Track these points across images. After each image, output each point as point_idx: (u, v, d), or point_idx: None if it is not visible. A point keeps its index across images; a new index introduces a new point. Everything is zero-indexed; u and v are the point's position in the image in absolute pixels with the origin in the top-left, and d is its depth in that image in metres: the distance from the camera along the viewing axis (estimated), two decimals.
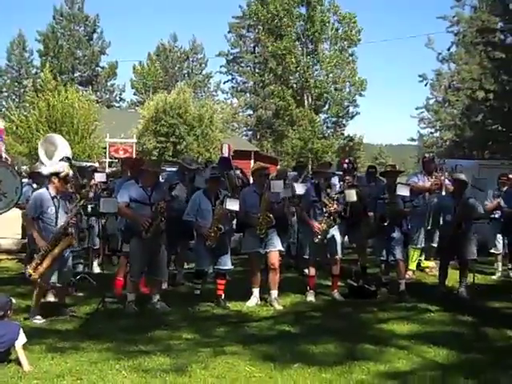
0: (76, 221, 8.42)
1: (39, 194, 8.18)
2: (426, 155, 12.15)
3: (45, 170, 9.59)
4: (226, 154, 12.33)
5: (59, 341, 7.08)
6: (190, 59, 64.19)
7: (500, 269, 11.88)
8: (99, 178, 11.66)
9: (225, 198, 9.06)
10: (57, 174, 8.15)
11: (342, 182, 11.11)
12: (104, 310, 8.57)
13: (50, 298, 8.77)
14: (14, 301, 6.73)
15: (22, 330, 6.25)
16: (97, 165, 17.35)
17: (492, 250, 12.33)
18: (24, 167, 25.02)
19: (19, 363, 6.09)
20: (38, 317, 7.98)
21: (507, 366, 6.36)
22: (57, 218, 8.00)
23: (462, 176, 10.39)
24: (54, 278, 8.01)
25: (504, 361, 6.60)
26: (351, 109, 49.24)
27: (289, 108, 46.71)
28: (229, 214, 9.15)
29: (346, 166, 11.56)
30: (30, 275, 7.76)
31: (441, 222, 10.44)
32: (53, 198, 8.05)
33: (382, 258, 10.35)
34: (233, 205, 9.00)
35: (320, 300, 9.68)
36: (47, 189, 8.16)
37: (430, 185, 11.38)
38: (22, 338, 6.19)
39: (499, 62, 32.63)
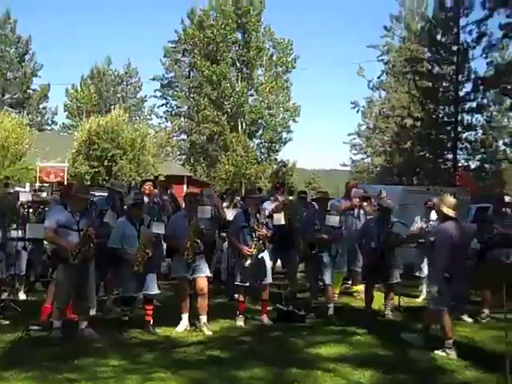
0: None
1: None
2: (351, 181, 12.45)
3: None
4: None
5: None
6: (125, 83, 63.77)
7: (424, 292, 12.16)
8: (24, 197, 11.37)
9: (151, 221, 9.08)
10: None
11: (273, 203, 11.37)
12: (29, 337, 8.38)
13: None
14: None
15: None
16: (27, 189, 17.07)
17: (417, 274, 12.65)
18: None
19: None
20: None
21: None
22: None
23: (387, 202, 10.66)
24: None
25: (426, 381, 6.79)
26: (285, 134, 49.73)
27: (223, 133, 46.86)
28: (154, 238, 9.11)
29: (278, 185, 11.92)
30: None
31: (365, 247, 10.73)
32: None
33: (311, 283, 10.53)
34: (159, 228, 9.05)
35: (250, 325, 9.75)
36: None
37: (344, 207, 11.69)
38: None
39: (426, 90, 33.71)
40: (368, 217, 11.72)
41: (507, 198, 10.86)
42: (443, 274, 7.86)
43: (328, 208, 10.81)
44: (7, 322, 9.39)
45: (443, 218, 8.18)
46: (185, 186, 35.47)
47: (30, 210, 11.36)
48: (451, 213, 8.10)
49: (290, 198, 12.45)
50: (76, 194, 8.74)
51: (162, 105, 58.09)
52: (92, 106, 55.54)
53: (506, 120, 39.11)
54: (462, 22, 31.96)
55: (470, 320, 10.13)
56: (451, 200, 8.27)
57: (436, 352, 7.92)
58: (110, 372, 6.94)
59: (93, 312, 9.53)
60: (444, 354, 7.83)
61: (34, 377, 6.69)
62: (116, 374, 6.84)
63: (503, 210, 10.55)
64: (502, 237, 9.99)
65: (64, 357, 7.45)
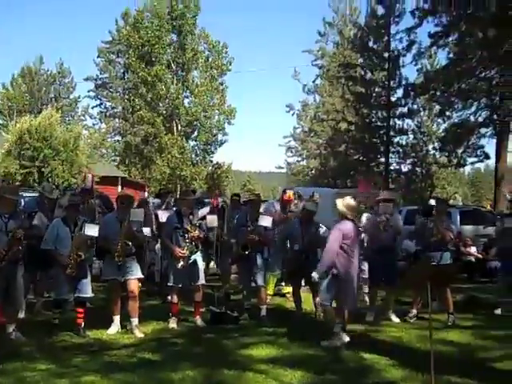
0: None
1: None
2: (287, 191, 12.46)
3: None
4: (90, 184, 12.19)
5: None
6: (57, 82, 62.62)
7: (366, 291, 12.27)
8: None
9: (83, 224, 8.95)
10: None
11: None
12: None
13: None
14: None
15: None
16: None
17: None
18: None
19: None
20: None
21: None
22: None
23: (309, 205, 10.74)
24: None
25: (356, 380, 6.89)
26: (220, 136, 49.76)
27: (158, 134, 46.56)
28: (88, 241, 9.00)
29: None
30: None
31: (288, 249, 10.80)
32: None
33: (244, 285, 10.56)
34: (92, 230, 8.92)
35: (182, 326, 9.71)
36: None
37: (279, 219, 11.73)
38: None
39: (360, 95, 34.32)
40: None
41: (433, 201, 11.18)
42: (331, 270, 8.57)
43: (261, 210, 10.86)
44: None
45: (341, 217, 8.75)
46: (119, 187, 35.07)
47: None
48: (348, 214, 8.72)
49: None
50: (4, 195, 8.52)
51: (96, 105, 57.38)
52: (23, 105, 54.24)
53: (435, 126, 40.11)
54: (393, 29, 32.90)
55: (397, 320, 10.33)
56: (351, 202, 8.84)
57: (323, 343, 8.38)
58: (38, 376, 6.80)
59: (21, 315, 9.38)
60: (333, 343, 8.36)
61: None
62: (44, 379, 6.70)
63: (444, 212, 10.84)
64: (440, 240, 10.25)
65: None
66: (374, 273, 10.86)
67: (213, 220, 10.25)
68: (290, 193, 12.16)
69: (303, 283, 10.69)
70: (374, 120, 35.02)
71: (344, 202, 8.78)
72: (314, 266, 9.33)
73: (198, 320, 9.85)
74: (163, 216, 11.30)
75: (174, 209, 11.74)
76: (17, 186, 16.89)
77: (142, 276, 9.56)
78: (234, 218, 11.17)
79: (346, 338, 8.51)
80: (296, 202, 12.04)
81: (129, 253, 9.07)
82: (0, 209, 8.41)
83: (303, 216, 10.52)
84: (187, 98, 48.93)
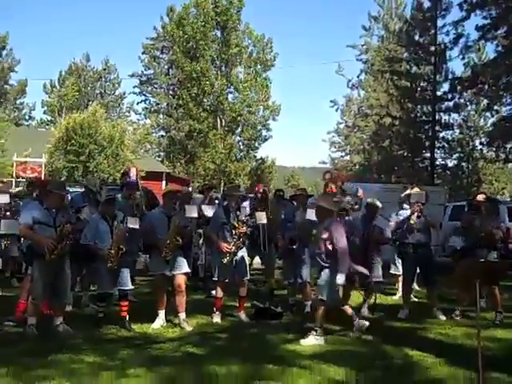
0: None
1: None
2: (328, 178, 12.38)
3: None
4: (134, 178, 12.27)
5: None
6: (103, 79, 63.39)
7: (400, 289, 12.18)
8: (1, 199, 11.26)
9: (125, 217, 9.04)
10: None
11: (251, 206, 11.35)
12: (2, 334, 8.32)
13: None
14: None
15: None
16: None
17: (392, 271, 12.72)
18: None
19: None
20: None
21: (405, 383, 6.58)
22: None
23: (375, 201, 10.67)
24: None
25: (402, 378, 6.81)
26: (264, 132, 49.79)
27: (202, 130, 46.80)
28: (127, 233, 9.07)
29: (259, 195, 11.90)
30: None
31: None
32: None
33: (289, 281, 10.55)
34: (133, 223, 9.06)
35: (226, 321, 9.74)
36: None
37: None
38: None
39: (404, 90, 33.94)
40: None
41: (482, 197, 10.96)
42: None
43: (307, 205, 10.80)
44: None
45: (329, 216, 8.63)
46: (163, 183, 35.33)
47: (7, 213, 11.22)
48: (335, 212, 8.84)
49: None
50: (51, 190, 8.66)
51: (141, 101, 57.90)
52: (73, 101, 54.94)
53: (482, 120, 39.45)
54: (440, 23, 32.30)
55: (443, 317, 10.19)
56: (330, 198, 9.31)
57: (302, 341, 8.29)
58: (85, 368, 6.89)
59: (68, 308, 9.52)
60: (310, 341, 8.27)
61: (7, 374, 6.61)
62: (91, 371, 6.78)
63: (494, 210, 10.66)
64: (487, 239, 10.07)
65: (38, 353, 7.39)
66: (407, 270, 10.76)
67: (261, 216, 10.25)
68: (332, 186, 12.05)
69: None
70: (418, 115, 34.61)
71: (328, 201, 8.96)
72: (372, 262, 9.35)
73: (242, 315, 9.87)
74: (208, 211, 11.34)
75: (218, 203, 11.81)
76: (63, 181, 17.17)
77: (189, 271, 9.60)
78: (280, 214, 11.14)
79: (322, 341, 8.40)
80: (339, 196, 11.92)
81: (177, 248, 9.12)
82: (48, 204, 8.56)
83: (367, 211, 10.51)
84: (231, 93, 49.10)
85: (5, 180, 19.95)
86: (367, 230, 10.26)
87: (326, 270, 8.49)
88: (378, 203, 10.58)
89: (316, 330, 8.39)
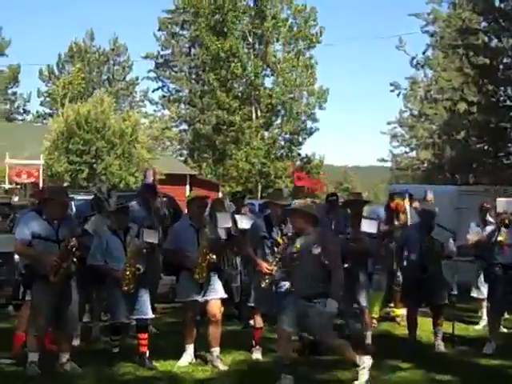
0: None
1: None
2: (395, 196, 12.31)
3: None
4: (151, 180, 12.35)
5: None
6: (111, 62, 64.04)
7: (485, 317, 12.06)
8: None
9: (140, 229, 9.08)
10: None
11: None
12: None
13: None
14: None
15: None
16: None
17: (474, 295, 12.59)
18: None
19: None
20: None
21: None
22: None
23: (427, 206, 10.62)
24: None
25: None
26: (309, 124, 49.77)
27: (233, 122, 46.89)
28: (145, 250, 9.08)
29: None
30: None
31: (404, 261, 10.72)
32: None
33: (343, 306, 10.50)
34: (151, 237, 9.07)
35: (269, 357, 9.70)
36: None
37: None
38: None
39: (483, 68, 33.59)
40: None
41: None
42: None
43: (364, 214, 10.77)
44: None
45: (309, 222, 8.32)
46: (188, 187, 35.45)
47: None
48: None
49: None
50: (51, 197, 8.74)
51: (158, 88, 58.35)
52: (79, 91, 55.47)
53: None
54: None
55: None
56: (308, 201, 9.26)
57: None
58: None
59: (76, 342, 9.60)
60: None
61: None
62: None
63: None
64: None
65: None
66: (495, 295, 10.67)
67: None
68: (398, 199, 11.97)
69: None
70: (501, 99, 34.23)
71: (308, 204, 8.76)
72: (433, 281, 9.23)
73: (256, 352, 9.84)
74: (243, 221, 11.34)
75: (256, 213, 11.80)
76: (65, 186, 17.33)
77: (226, 296, 9.62)
78: (331, 223, 11.12)
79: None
80: (407, 210, 11.86)
81: (212, 267, 9.15)
82: (48, 214, 8.63)
83: (421, 219, 10.45)
84: (268, 76, 49.16)
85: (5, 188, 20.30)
86: (424, 243, 10.20)
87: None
88: (435, 209, 10.49)
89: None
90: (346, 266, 9.98)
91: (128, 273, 8.83)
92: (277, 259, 9.37)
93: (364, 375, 8.16)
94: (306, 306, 8.06)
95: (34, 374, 8.37)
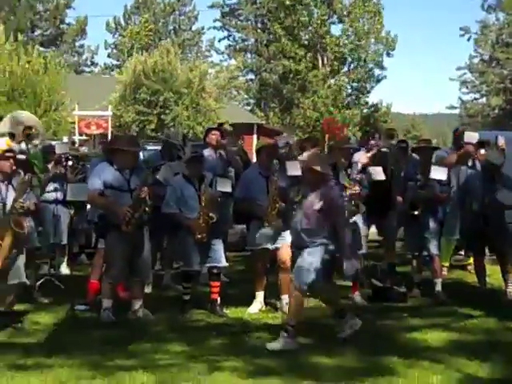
0: (31, 208, 8.31)
1: None
2: (460, 128, 12.11)
3: None
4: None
5: (20, 357, 7.14)
6: (177, 13, 64.00)
7: None
8: (60, 149, 11.34)
9: (214, 178, 9.13)
10: None
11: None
12: (74, 319, 8.67)
13: None
14: None
15: None
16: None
17: None
18: None
19: None
20: None
21: None
22: (4, 207, 8.07)
23: (492, 156, 10.42)
24: None
25: None
26: (377, 71, 49.13)
27: (300, 71, 46.58)
28: (219, 199, 9.18)
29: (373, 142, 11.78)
30: None
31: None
32: None
33: (413, 253, 10.49)
34: (225, 186, 9.13)
35: None
36: None
37: (458, 156, 11.30)
38: None
39: None
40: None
41: None
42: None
43: (433, 160, 10.65)
44: (48, 301, 9.71)
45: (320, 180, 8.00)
46: (255, 137, 35.45)
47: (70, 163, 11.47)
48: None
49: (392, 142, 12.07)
50: (122, 147, 8.82)
51: (224, 38, 58.19)
52: (146, 42, 55.71)
53: None
54: None
55: None
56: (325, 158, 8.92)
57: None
58: (171, 360, 7.10)
59: (148, 289, 9.76)
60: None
61: (82, 364, 6.89)
62: (178, 362, 7.00)
63: None
64: None
65: (116, 342, 7.68)
66: None
67: (378, 172, 10.10)
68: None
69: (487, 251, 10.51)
70: None
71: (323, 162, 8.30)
72: (497, 230, 9.12)
73: (357, 297, 9.89)
74: None
75: None
76: (135, 136, 17.45)
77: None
78: (401, 171, 11.02)
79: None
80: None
81: (280, 215, 9.16)
82: (120, 164, 8.73)
83: (483, 170, 10.29)
84: (334, 24, 48.56)
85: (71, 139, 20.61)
86: (487, 194, 10.05)
87: (312, 250, 7.82)
88: (499, 159, 10.26)
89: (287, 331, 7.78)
90: (416, 213, 9.99)
91: (201, 221, 8.93)
92: (345, 203, 9.41)
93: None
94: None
95: (108, 320, 8.57)
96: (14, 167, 8.36)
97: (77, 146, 17.75)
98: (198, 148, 10.42)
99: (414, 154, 11.32)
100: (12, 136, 10.17)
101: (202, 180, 9.17)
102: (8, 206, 8.00)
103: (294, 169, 9.39)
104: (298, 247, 7.95)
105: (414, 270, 10.61)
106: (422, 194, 10.05)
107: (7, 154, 8.20)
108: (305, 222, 7.78)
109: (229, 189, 9.21)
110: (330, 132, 17.75)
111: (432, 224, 10.12)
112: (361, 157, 11.23)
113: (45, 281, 10.34)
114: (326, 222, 7.76)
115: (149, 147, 14.96)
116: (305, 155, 9.38)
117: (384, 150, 11.16)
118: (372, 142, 11.70)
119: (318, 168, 7.89)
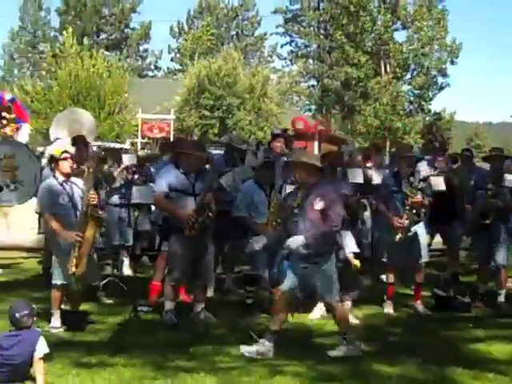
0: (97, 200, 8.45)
1: (47, 185, 8.40)
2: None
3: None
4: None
5: (84, 355, 7.29)
6: (240, 18, 64.34)
7: None
8: (128, 160, 11.64)
9: (283, 185, 9.13)
10: (54, 157, 8.37)
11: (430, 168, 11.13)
12: (137, 320, 8.77)
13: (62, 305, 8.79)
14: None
15: (42, 338, 6.29)
16: (127, 146, 17.66)
17: None
18: (40, 148, 25.57)
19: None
20: (59, 325, 8.28)
21: None
22: (74, 206, 8.22)
23: None
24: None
25: None
26: (440, 79, 48.61)
27: (362, 77, 46.38)
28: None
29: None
30: (74, 273, 7.97)
31: None
32: (62, 185, 8.28)
33: (480, 263, 10.40)
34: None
35: (400, 313, 9.78)
36: (54, 176, 8.40)
37: None
38: (41, 349, 6.19)
39: None
40: None
41: None
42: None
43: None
44: (111, 301, 9.89)
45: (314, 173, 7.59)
46: (316, 143, 35.30)
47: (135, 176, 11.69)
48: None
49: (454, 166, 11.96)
50: (189, 151, 8.89)
51: (286, 44, 58.17)
52: (207, 47, 56.17)
53: None
54: None
55: None
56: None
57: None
58: (233, 363, 7.17)
59: (210, 292, 9.84)
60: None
61: (144, 365, 6.99)
62: (240, 365, 7.06)
63: None
64: None
65: (178, 343, 7.78)
66: None
67: (439, 183, 10.06)
68: None
69: None
70: None
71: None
72: None
73: (419, 306, 9.82)
74: (376, 176, 11.29)
75: (386, 168, 11.71)
76: (202, 141, 17.55)
77: (358, 250, 9.63)
78: (469, 179, 10.92)
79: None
80: None
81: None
82: (186, 168, 8.80)
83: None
84: (397, 30, 48.24)
85: (133, 141, 20.88)
86: None
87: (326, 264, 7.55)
88: None
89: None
90: (487, 222, 9.88)
91: (269, 227, 8.95)
92: (407, 212, 9.36)
93: None
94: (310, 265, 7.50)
95: (170, 321, 8.68)
96: (75, 166, 8.51)
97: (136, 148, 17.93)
98: (270, 153, 10.41)
99: (479, 163, 11.22)
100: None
101: (273, 186, 9.19)
102: (78, 204, 8.18)
103: (357, 176, 9.38)
104: (303, 258, 7.51)
105: (479, 280, 10.51)
106: (493, 203, 9.94)
107: (64, 155, 8.35)
108: (308, 226, 7.45)
109: None
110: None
111: (502, 234, 10.01)
112: (425, 169, 11.18)
113: (108, 282, 10.49)
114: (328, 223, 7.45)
115: (214, 151, 15.04)
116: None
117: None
118: (439, 158, 11.55)
119: (305, 159, 7.70)
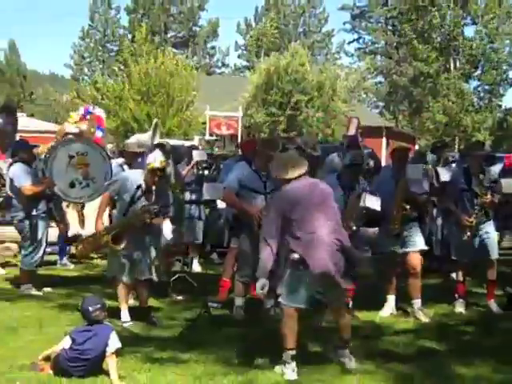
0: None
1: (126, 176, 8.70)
2: None
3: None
4: (353, 132, 12.23)
5: (156, 350, 7.37)
6: (307, 14, 64.19)
7: None
8: (198, 155, 11.68)
9: (363, 192, 8.82)
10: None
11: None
12: (207, 316, 8.81)
13: (130, 301, 8.97)
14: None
15: (114, 333, 6.41)
16: (196, 143, 17.72)
17: None
18: (109, 145, 25.91)
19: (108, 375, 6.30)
20: (128, 319, 8.42)
21: None
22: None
23: None
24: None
25: None
26: (511, 74, 47.89)
27: (431, 73, 45.92)
28: (363, 212, 8.72)
29: None
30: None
31: None
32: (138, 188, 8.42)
33: None
34: (374, 203, 8.64)
35: (472, 312, 9.64)
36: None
37: None
38: (114, 343, 6.31)
39: None
40: None
41: None
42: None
43: None
44: (181, 298, 9.97)
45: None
46: (384, 140, 35.13)
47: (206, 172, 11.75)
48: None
49: None
50: (264, 150, 8.86)
51: (354, 40, 58.08)
52: (273, 42, 56.27)
53: None
54: None
55: None
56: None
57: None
58: (304, 359, 7.09)
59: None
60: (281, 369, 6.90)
61: (216, 361, 7.06)
62: (312, 363, 7.04)
63: None
64: None
65: (249, 339, 7.84)
66: None
67: (509, 186, 9.86)
68: None
69: None
70: None
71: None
72: None
73: (492, 304, 9.67)
74: (444, 174, 11.16)
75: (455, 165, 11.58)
76: (276, 139, 17.46)
77: (426, 248, 9.54)
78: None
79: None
80: None
81: (407, 218, 9.06)
82: (258, 166, 8.83)
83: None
84: (467, 25, 47.64)
85: (201, 138, 20.96)
86: None
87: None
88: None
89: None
90: None
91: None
92: (476, 211, 9.28)
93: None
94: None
95: (240, 317, 8.78)
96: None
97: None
98: (358, 156, 10.15)
99: None
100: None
101: (354, 188, 9.03)
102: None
103: (416, 172, 9.26)
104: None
105: None
106: None
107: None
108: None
109: (378, 207, 8.64)
110: None
111: None
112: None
113: (178, 278, 10.58)
114: None
115: None
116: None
117: None
118: None
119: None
